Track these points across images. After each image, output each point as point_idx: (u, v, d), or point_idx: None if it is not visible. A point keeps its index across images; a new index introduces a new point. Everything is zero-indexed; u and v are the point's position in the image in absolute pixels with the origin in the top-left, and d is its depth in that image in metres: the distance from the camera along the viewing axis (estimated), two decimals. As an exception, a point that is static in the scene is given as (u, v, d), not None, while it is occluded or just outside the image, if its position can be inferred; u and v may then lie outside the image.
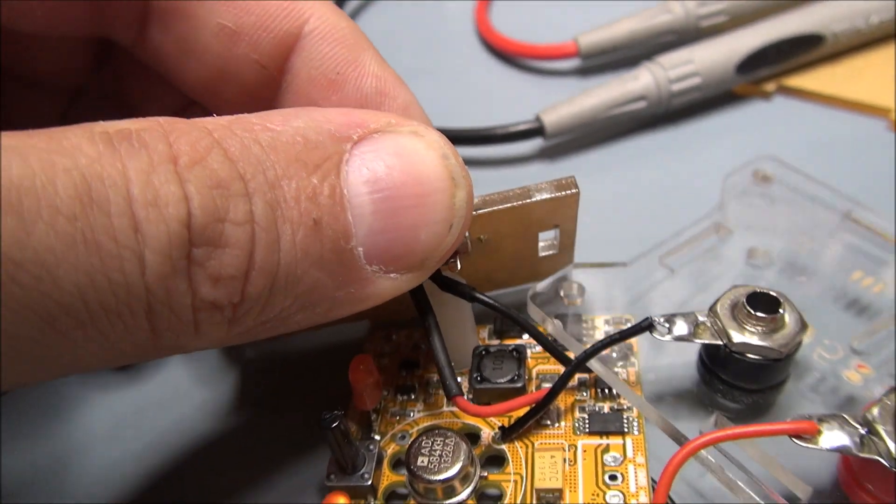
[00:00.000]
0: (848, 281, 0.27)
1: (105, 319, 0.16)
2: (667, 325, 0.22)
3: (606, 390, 0.24)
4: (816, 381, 0.24)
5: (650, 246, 0.28)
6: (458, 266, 0.23)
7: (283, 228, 0.17)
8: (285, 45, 0.23)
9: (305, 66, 0.23)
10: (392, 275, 0.20)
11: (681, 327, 0.22)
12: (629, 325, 0.26)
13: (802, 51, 0.36)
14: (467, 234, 0.23)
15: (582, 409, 0.24)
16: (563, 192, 0.24)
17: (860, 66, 0.37)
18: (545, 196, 0.24)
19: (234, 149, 0.17)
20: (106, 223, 0.15)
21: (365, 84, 0.23)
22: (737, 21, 0.38)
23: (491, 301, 0.23)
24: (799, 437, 0.19)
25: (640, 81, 0.35)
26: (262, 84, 0.23)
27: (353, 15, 0.45)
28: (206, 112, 0.24)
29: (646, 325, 0.22)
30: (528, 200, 0.24)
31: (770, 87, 0.37)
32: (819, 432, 0.19)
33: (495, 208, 0.24)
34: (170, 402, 0.28)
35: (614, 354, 0.25)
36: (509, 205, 0.24)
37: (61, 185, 0.15)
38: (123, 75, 0.27)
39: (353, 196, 0.18)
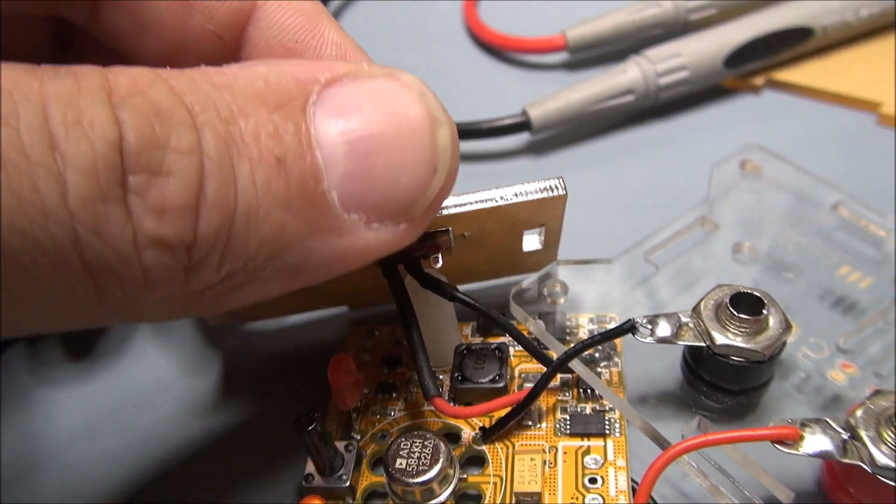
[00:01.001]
0: (835, 276, 0.27)
1: (23, 251, 0.14)
2: (649, 326, 0.22)
3: (589, 390, 0.24)
4: (801, 381, 0.24)
5: (637, 241, 0.28)
6: (440, 263, 0.23)
7: (239, 164, 0.16)
8: (241, 14, 0.22)
9: (263, 36, 0.22)
10: (374, 225, 0.18)
11: (663, 328, 0.22)
12: (613, 323, 0.26)
13: (791, 44, 0.36)
14: (451, 230, 0.23)
15: (564, 410, 0.23)
16: (551, 194, 0.23)
17: (849, 60, 0.36)
18: (532, 197, 0.23)
19: (181, 85, 0.16)
20: (12, 136, 0.14)
21: (325, 52, 0.22)
22: (725, 14, 0.37)
23: (472, 301, 0.23)
24: (781, 442, 0.19)
25: (628, 75, 0.34)
26: (221, 55, 0.23)
27: (342, 6, 0.45)
28: None
29: (628, 327, 0.22)
30: (515, 200, 0.23)
31: (759, 80, 0.36)
32: (801, 438, 0.19)
33: (481, 207, 0.23)
34: (149, 400, 0.27)
35: (597, 354, 0.25)
36: (495, 204, 0.23)
37: None
38: (86, 60, 0.26)
39: (322, 136, 0.17)
